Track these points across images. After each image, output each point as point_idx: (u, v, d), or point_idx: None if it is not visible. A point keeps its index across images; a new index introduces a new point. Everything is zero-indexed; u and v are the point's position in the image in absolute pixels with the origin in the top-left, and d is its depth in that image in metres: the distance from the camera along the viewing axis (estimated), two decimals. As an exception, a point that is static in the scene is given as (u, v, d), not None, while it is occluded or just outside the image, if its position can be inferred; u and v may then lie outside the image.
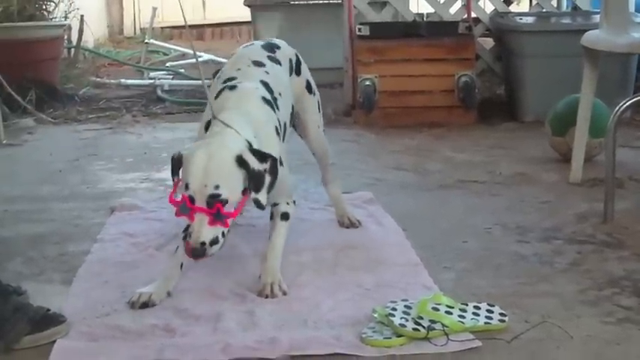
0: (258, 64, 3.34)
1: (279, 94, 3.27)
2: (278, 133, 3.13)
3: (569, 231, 3.61)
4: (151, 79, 7.92)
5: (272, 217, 3.17)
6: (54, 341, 2.60)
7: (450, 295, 2.78)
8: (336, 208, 3.70)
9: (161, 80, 7.79)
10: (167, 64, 8.85)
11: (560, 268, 3.20)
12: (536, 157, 4.90)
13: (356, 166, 4.74)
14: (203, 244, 2.75)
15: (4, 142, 5.50)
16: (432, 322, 2.59)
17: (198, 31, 11.75)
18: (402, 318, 2.61)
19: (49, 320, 2.62)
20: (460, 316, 2.65)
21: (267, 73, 3.30)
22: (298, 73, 3.55)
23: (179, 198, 2.81)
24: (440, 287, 2.96)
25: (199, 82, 7.88)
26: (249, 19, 8.31)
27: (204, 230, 2.75)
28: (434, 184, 4.41)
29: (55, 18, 7.34)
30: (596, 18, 5.44)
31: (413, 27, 6.08)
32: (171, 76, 8.16)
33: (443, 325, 2.59)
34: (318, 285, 3.02)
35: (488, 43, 6.63)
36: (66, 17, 7.58)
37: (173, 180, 2.89)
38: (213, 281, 3.03)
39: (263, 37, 7.79)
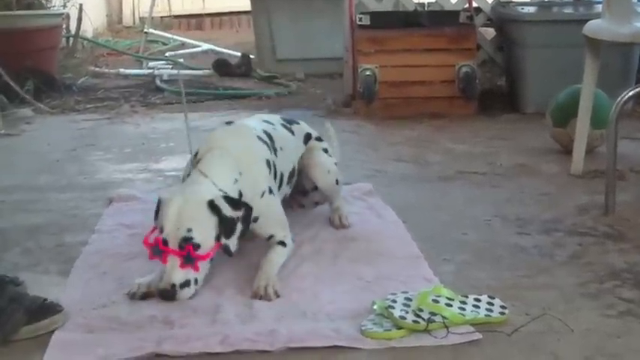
0: (268, 122, 3.40)
1: (280, 148, 3.29)
2: (269, 167, 3.16)
3: (570, 223, 3.59)
4: (149, 68, 7.91)
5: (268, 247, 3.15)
6: (52, 331, 2.59)
7: (450, 287, 2.76)
8: (330, 208, 3.64)
9: (160, 70, 7.78)
10: (166, 54, 8.83)
11: (560, 260, 3.18)
12: (537, 149, 4.88)
13: (356, 158, 4.71)
14: (173, 286, 2.79)
15: (2, 131, 5.48)
16: (432, 314, 2.57)
17: (197, 21, 11.73)
18: (402, 310, 2.59)
19: (46, 310, 2.60)
20: (460, 308, 2.63)
21: (274, 129, 3.35)
22: (307, 143, 3.55)
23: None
24: (440, 279, 2.95)
25: (199, 72, 7.88)
26: (248, 8, 8.30)
27: (175, 272, 2.81)
28: (434, 175, 4.39)
29: (54, 7, 7.32)
30: (599, 8, 5.41)
31: (414, 16, 6.05)
32: (170, 66, 8.14)
33: (443, 317, 2.57)
34: (317, 277, 3.00)
35: (490, 33, 6.61)
36: (64, 6, 7.56)
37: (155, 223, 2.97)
38: (211, 273, 3.01)
39: (263, 27, 7.79)
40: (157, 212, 2.96)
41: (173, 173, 4.36)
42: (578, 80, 4.39)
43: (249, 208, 2.95)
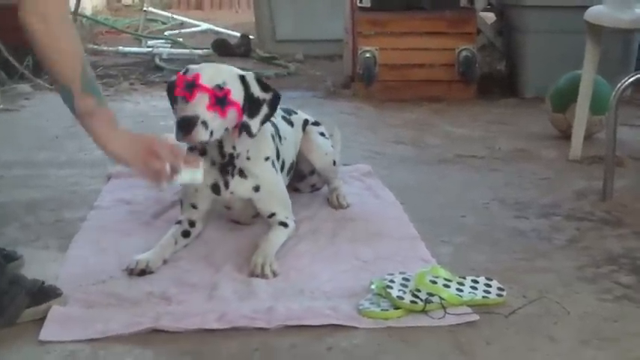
0: None
1: (284, 138, 3.31)
2: (274, 142, 3.17)
3: (568, 208, 3.60)
4: (149, 47, 7.90)
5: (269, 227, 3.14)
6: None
7: (447, 268, 2.77)
8: (328, 188, 3.65)
9: (159, 49, 7.77)
10: (165, 33, 8.82)
11: (558, 244, 3.19)
12: (536, 133, 4.89)
13: (355, 139, 4.72)
14: (197, 117, 2.76)
15: (1, 107, 5.48)
16: (430, 294, 2.58)
17: (197, 0, 11.72)
18: (399, 290, 2.60)
19: (45, 293, 2.58)
20: (458, 289, 2.64)
21: (277, 121, 3.34)
22: (304, 129, 3.55)
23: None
24: (438, 261, 2.95)
25: (198, 51, 7.88)
26: (249, -11, 8.30)
27: (202, 108, 2.78)
28: (433, 158, 4.40)
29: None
30: (600, -6, 5.42)
31: (415, -1, 6.06)
32: (169, 45, 8.14)
33: (440, 298, 2.58)
34: (315, 256, 3.01)
35: (490, 17, 6.61)
36: (65, -18, 7.53)
37: (173, 105, 2.95)
38: (210, 250, 3.02)
39: (263, 7, 7.78)
40: (170, 93, 2.96)
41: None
42: (578, 66, 4.40)
43: (277, 95, 2.98)
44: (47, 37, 2.44)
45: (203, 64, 2.96)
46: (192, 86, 2.80)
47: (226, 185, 3.05)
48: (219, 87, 2.82)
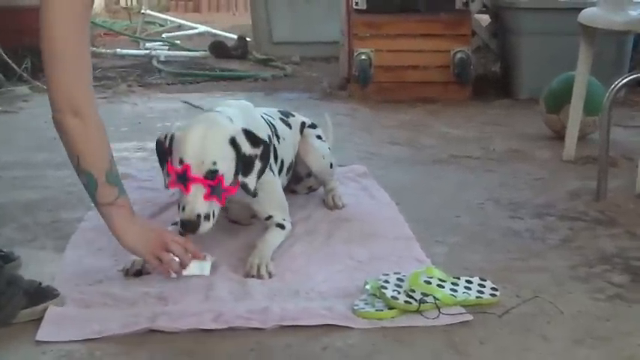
0: (268, 114, 3.38)
1: (283, 138, 3.31)
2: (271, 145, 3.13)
3: (562, 208, 3.61)
4: (146, 49, 7.92)
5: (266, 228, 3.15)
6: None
7: (442, 268, 2.78)
8: (324, 189, 3.65)
9: (157, 51, 7.78)
10: (163, 35, 8.83)
11: (552, 244, 3.21)
12: (530, 134, 4.91)
13: (350, 140, 4.74)
14: (199, 216, 2.75)
15: (-1, 109, 5.50)
16: (424, 295, 2.59)
17: (194, 3, 11.73)
18: (394, 290, 2.61)
19: (43, 294, 2.59)
20: (452, 289, 2.66)
21: (275, 121, 3.34)
22: (302, 132, 3.55)
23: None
24: (432, 261, 2.96)
25: (196, 53, 7.89)
26: (246, -9, 8.32)
27: (200, 202, 2.76)
28: (428, 159, 4.42)
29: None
30: (594, -4, 5.44)
31: (410, 1, 6.06)
32: (167, 47, 8.15)
33: (435, 298, 2.59)
34: (310, 256, 3.02)
35: (485, 19, 6.63)
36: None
37: (163, 163, 2.89)
38: (206, 250, 3.03)
39: (260, 10, 7.79)
40: (159, 152, 2.90)
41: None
42: (572, 67, 4.42)
43: (267, 145, 2.92)
44: (81, 130, 2.54)
45: (187, 130, 2.83)
46: (185, 179, 2.76)
47: None
48: (212, 173, 2.76)
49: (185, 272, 2.74)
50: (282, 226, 3.14)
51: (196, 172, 2.76)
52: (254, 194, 2.93)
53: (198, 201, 2.75)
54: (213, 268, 2.81)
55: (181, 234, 2.83)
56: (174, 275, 2.73)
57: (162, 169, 2.91)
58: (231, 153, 2.83)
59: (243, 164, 2.85)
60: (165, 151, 2.88)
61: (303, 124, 3.54)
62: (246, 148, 2.85)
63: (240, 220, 3.28)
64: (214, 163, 2.77)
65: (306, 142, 3.51)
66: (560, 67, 4.90)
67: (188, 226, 2.76)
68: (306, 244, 3.13)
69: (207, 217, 2.77)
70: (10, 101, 5.69)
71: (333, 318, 2.53)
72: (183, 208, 2.77)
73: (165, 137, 2.88)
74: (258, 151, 2.87)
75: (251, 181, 2.88)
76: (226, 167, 2.81)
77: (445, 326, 2.51)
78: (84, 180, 2.60)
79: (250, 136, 2.88)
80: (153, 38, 8.66)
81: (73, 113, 2.52)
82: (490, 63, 6.71)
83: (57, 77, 2.53)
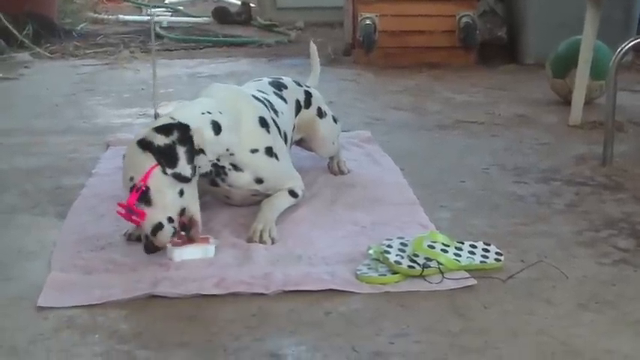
0: (261, 91, 3.29)
1: (282, 112, 3.23)
2: (267, 126, 3.03)
3: (568, 173, 3.59)
4: (149, 15, 7.88)
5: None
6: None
7: (446, 233, 2.76)
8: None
9: (160, 17, 7.75)
10: (166, 1, 8.79)
11: (557, 209, 3.19)
12: (536, 99, 4.88)
13: (355, 105, 4.71)
14: (146, 237, 2.67)
15: (0, 75, 5.47)
16: (428, 259, 2.58)
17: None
18: (397, 255, 2.60)
19: None
20: (456, 254, 2.64)
21: (270, 97, 3.26)
22: (308, 106, 3.46)
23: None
24: (436, 226, 2.94)
25: (199, 19, 7.85)
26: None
27: (144, 224, 2.66)
28: (432, 124, 4.39)
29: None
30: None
31: (415, -35, 6.02)
32: (170, 13, 8.11)
33: (438, 262, 2.58)
34: (314, 222, 3.01)
35: (491, -17, 6.58)
36: (64, -50, 7.52)
37: None
38: (208, 216, 3.01)
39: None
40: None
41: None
42: (579, 31, 4.37)
43: (183, 127, 2.72)
44: None
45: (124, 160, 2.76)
46: (130, 212, 2.66)
47: (223, 180, 3.00)
48: (134, 188, 2.66)
49: (188, 256, 2.70)
50: (293, 193, 3.10)
51: (129, 197, 2.66)
52: (189, 180, 2.72)
53: (143, 223, 2.66)
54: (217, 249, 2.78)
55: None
56: (177, 259, 2.69)
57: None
58: (146, 157, 2.67)
59: (164, 156, 2.68)
60: None
61: (298, 103, 3.43)
62: (159, 140, 2.68)
63: (244, 205, 3.20)
64: (131, 179, 2.67)
65: (316, 129, 3.46)
66: (566, 32, 4.86)
67: (147, 250, 2.69)
68: (309, 210, 3.12)
69: (157, 228, 2.65)
70: (11, 68, 5.66)
71: (336, 283, 2.51)
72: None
73: None
74: (173, 137, 2.70)
75: (182, 168, 2.69)
76: (142, 174, 2.66)
77: (449, 291, 2.49)
78: None
79: (160, 129, 2.72)
80: (155, 4, 8.62)
81: None
82: (496, 28, 6.65)
83: None
